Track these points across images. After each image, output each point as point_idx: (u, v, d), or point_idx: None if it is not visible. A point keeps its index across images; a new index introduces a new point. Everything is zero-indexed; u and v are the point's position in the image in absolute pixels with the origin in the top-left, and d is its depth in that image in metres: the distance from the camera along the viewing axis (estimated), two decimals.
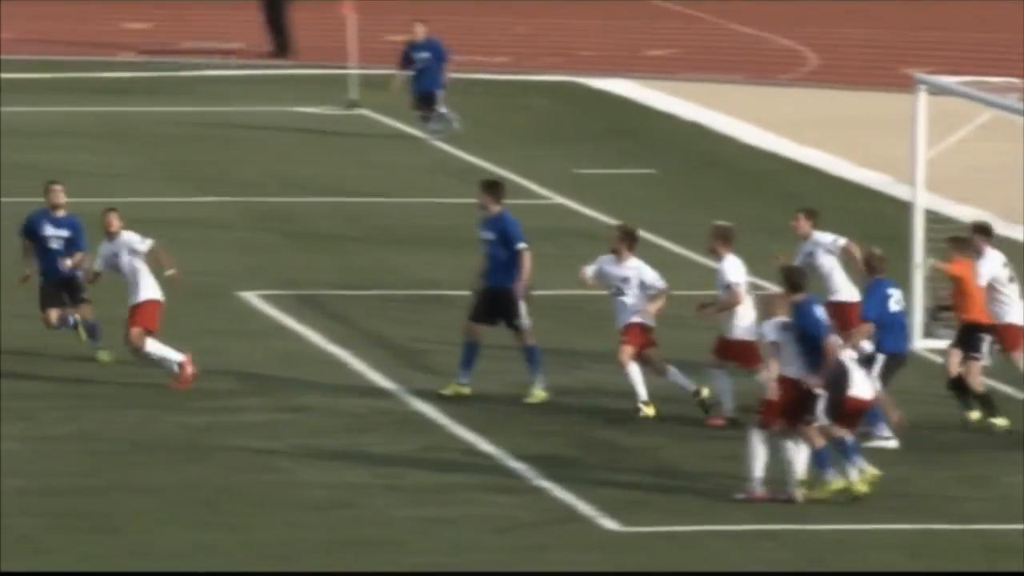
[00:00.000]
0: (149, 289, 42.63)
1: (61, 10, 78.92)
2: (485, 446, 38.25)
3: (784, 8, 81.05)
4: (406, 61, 61.70)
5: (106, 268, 42.81)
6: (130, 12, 75.03)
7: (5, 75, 68.22)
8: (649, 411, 40.51)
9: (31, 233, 42.88)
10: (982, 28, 77.31)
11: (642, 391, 40.24)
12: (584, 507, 35.41)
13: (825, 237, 40.80)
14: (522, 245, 41.69)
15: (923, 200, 42.43)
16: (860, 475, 35.07)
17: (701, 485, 36.62)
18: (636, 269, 41.24)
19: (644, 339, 40.73)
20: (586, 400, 40.35)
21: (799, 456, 35.22)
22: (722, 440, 37.41)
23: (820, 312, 36.00)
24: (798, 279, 36.24)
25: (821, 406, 34.91)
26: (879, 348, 39.38)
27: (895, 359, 38.80)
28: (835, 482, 34.93)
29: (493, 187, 42.90)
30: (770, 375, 35.56)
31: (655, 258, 41.76)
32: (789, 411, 35.25)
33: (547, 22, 77.96)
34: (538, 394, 41.80)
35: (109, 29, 74.65)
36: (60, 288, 42.40)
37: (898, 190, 43.98)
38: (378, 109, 63.60)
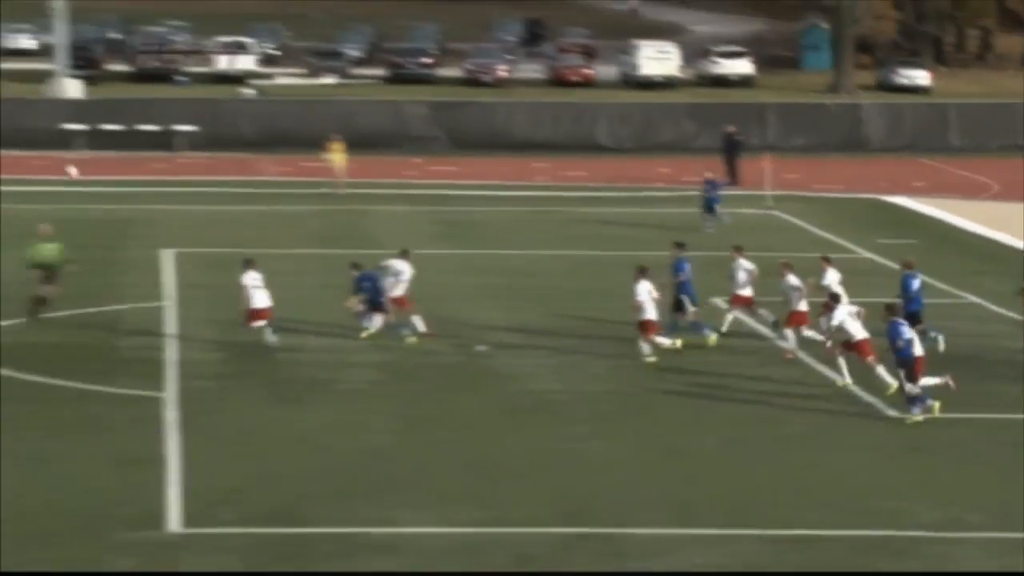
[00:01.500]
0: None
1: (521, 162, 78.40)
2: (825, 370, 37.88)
3: (978, 162, 79.08)
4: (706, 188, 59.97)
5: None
6: (660, 163, 73.63)
7: (490, 193, 67.93)
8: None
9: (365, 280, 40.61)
10: None
11: None
12: (878, 404, 35.06)
13: None
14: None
15: None
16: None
17: None
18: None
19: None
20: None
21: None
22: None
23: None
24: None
25: None
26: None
27: None
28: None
29: (679, 244, 41.67)
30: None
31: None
32: None
33: (863, 170, 76.42)
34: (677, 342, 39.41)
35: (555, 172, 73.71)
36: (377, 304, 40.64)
37: None
38: (782, 211, 63.15)
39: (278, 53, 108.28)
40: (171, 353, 39.22)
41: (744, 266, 41.45)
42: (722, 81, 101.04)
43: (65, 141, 77.89)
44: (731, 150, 71.58)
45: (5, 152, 75.44)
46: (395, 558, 25.97)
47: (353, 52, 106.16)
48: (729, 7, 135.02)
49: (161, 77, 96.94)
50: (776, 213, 63.21)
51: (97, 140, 78.42)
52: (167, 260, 50.91)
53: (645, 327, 38.77)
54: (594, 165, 76.29)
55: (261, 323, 39.91)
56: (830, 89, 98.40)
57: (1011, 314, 44.08)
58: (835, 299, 37.08)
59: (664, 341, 38.99)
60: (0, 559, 25.47)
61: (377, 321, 40.66)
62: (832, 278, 40.35)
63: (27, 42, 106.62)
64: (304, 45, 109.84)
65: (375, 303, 40.62)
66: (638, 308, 38.59)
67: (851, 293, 40.76)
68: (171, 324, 42.20)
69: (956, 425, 33.92)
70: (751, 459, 31.68)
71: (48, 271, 42.17)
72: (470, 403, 35.51)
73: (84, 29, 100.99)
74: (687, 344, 39.51)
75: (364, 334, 40.59)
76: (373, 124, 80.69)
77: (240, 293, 40.02)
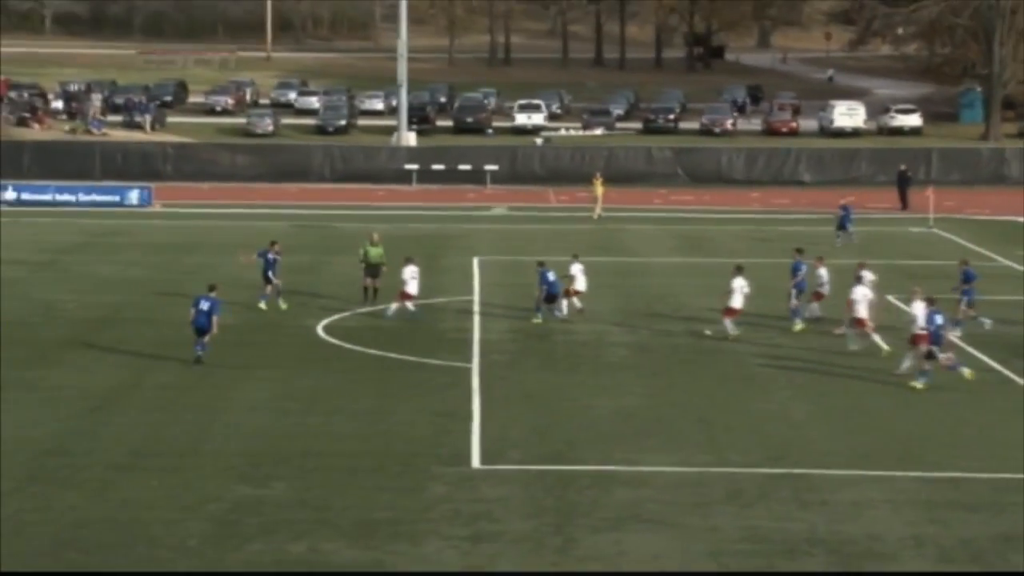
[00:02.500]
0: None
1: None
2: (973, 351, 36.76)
3: None
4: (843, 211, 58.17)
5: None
6: (848, 193, 71.31)
7: (717, 216, 66.69)
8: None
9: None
10: None
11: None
12: (1007, 371, 33.90)
13: None
14: None
15: None
16: None
17: None
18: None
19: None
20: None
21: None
22: None
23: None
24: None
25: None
26: None
27: None
28: None
29: (799, 250, 40.53)
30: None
31: None
32: None
33: (1006, 199, 74.15)
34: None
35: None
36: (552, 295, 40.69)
37: None
38: (941, 230, 61.59)
39: (561, 111, 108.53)
40: (476, 334, 39.36)
41: (822, 274, 40.59)
42: (897, 131, 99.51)
43: (404, 178, 78.84)
44: (903, 183, 70.57)
45: (358, 185, 76.77)
46: (639, 490, 25.63)
47: (617, 110, 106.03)
48: (904, 75, 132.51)
49: (475, 130, 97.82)
50: (936, 231, 61.61)
51: (427, 177, 79.24)
52: (476, 265, 51.18)
53: (727, 311, 38.06)
54: (796, 195, 75.28)
55: (410, 303, 39.91)
56: (981, 137, 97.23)
57: None
58: (858, 280, 37.45)
59: (730, 328, 38.19)
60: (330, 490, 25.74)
61: (563, 306, 40.67)
62: (868, 278, 38.95)
63: (378, 104, 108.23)
64: (581, 105, 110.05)
65: (551, 294, 40.51)
66: (730, 296, 38.30)
67: (993, 291, 39.61)
68: (477, 313, 42.39)
69: None
70: (913, 417, 30.91)
71: (373, 268, 42.56)
72: (698, 374, 35.07)
73: (420, 95, 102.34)
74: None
75: (535, 320, 40.56)
76: (630, 164, 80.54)
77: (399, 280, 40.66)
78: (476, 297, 44.79)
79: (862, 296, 36.89)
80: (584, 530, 23.60)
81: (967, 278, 39.63)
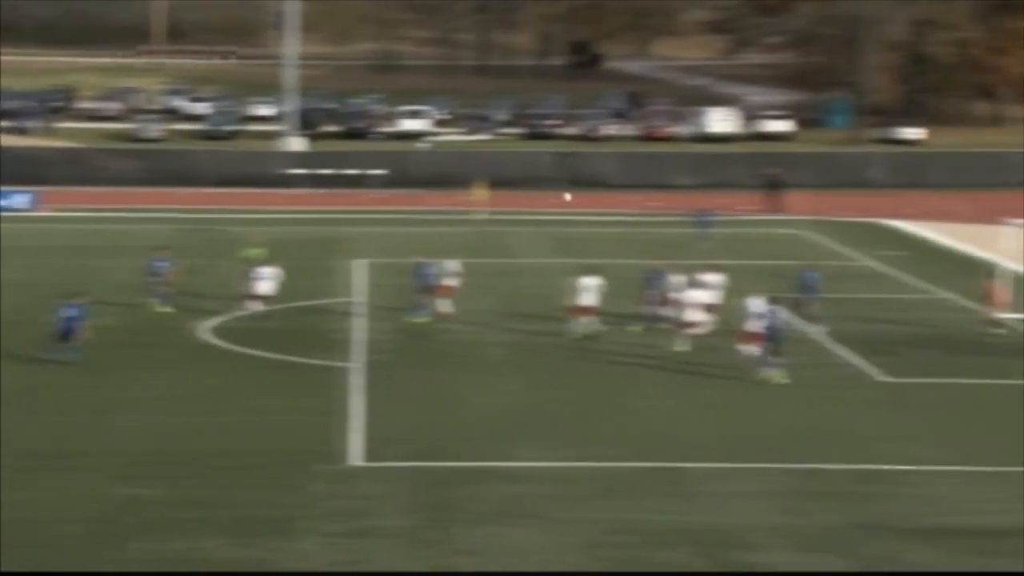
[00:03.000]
0: None
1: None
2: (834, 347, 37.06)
3: (955, 195, 77.14)
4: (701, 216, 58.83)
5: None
6: (722, 197, 71.85)
7: (594, 218, 66.92)
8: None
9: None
10: None
11: None
12: (866, 366, 34.27)
13: None
14: None
15: None
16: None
17: None
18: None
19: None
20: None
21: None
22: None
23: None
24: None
25: None
26: None
27: None
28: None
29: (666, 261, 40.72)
30: None
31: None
32: None
33: (870, 201, 75.05)
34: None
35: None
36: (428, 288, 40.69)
37: None
38: (809, 231, 62.14)
39: (447, 117, 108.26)
40: (359, 334, 39.08)
41: (673, 279, 40.73)
42: (768, 136, 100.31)
43: (292, 182, 78.14)
44: (774, 186, 71.05)
45: (246, 190, 75.98)
46: (515, 485, 25.64)
47: (501, 116, 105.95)
48: (776, 82, 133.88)
49: (362, 135, 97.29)
50: (804, 233, 62.21)
51: (315, 181, 78.69)
52: (362, 267, 50.85)
53: (576, 310, 38.23)
54: (672, 198, 75.39)
55: (260, 304, 39.93)
56: (848, 142, 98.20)
57: (975, 305, 43.25)
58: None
59: (576, 326, 38.12)
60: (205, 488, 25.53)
61: (442, 305, 40.52)
62: (706, 280, 39.42)
63: (266, 110, 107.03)
64: (466, 111, 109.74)
65: (427, 287, 40.49)
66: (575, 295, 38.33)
67: (853, 290, 40.03)
68: (361, 313, 42.10)
69: (932, 387, 33.47)
70: (778, 412, 31.15)
71: (256, 269, 41.99)
72: (573, 372, 35.05)
73: (308, 101, 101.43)
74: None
75: (414, 319, 40.40)
76: (512, 169, 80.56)
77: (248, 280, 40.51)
78: (360, 298, 44.50)
79: (691, 299, 37.28)
80: (460, 525, 23.52)
81: (806, 280, 40.23)
